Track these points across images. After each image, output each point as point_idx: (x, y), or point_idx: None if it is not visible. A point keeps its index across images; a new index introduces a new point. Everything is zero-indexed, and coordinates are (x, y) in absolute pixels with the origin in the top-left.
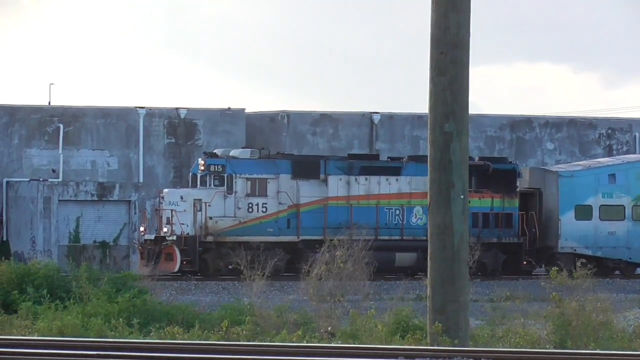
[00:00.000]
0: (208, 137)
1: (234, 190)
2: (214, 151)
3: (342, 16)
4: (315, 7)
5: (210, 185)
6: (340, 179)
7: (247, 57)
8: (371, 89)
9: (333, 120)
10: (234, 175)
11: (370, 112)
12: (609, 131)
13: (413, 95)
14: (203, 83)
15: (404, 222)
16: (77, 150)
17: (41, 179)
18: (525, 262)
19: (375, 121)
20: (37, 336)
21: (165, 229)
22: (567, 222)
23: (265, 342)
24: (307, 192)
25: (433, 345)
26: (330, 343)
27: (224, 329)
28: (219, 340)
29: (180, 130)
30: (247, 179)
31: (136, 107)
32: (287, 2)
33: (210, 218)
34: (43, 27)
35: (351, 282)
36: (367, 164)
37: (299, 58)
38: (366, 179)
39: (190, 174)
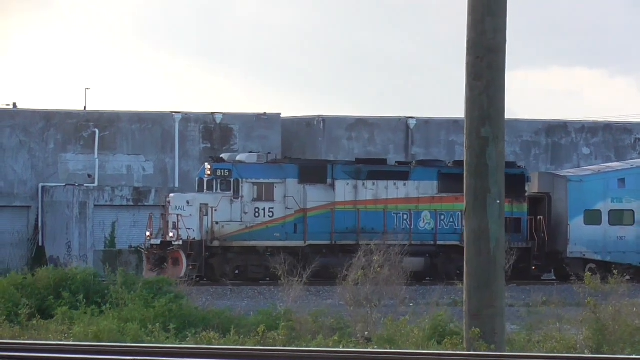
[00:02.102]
0: (244, 142)
1: (240, 194)
2: (221, 156)
3: (378, 20)
4: (352, 11)
5: (216, 189)
6: (348, 184)
7: (283, 61)
8: (407, 94)
9: (369, 125)
10: (240, 179)
11: (406, 117)
12: None
13: (449, 100)
14: (239, 88)
15: (412, 227)
16: (113, 155)
17: (77, 184)
18: (534, 267)
19: (411, 126)
20: (73, 341)
21: (171, 234)
22: (576, 227)
23: (301, 347)
24: (314, 196)
25: (470, 351)
26: (367, 348)
27: (260, 334)
28: (255, 346)
29: (216, 135)
30: (254, 183)
31: (172, 112)
32: (323, 7)
33: (217, 223)
34: (79, 32)
35: (387, 287)
36: (375, 169)
37: (335, 62)
38: (374, 184)
39: (197, 178)
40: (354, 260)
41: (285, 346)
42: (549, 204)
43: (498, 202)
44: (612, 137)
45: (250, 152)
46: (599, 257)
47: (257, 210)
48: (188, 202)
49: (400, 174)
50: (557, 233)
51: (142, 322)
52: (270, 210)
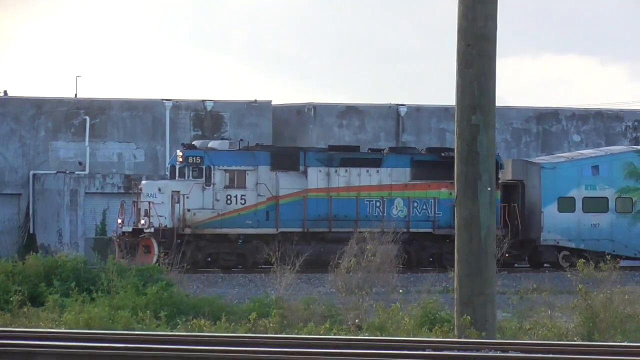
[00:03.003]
0: (235, 130)
1: (212, 182)
2: (192, 143)
3: (368, 8)
4: None
5: (188, 177)
6: (320, 171)
7: (273, 49)
8: (398, 81)
9: (359, 112)
10: (212, 167)
11: (397, 105)
12: (636, 123)
13: (440, 88)
14: (230, 75)
15: (385, 214)
16: (104, 143)
17: (68, 172)
18: (507, 255)
19: (402, 113)
20: (64, 329)
21: (143, 221)
22: (550, 214)
23: (292, 334)
24: (287, 183)
25: (461, 338)
26: (358, 335)
27: (252, 321)
28: (246, 333)
29: (206, 122)
30: (226, 170)
31: (162, 100)
32: None
33: (189, 210)
34: (69, 19)
35: (379, 275)
36: (347, 156)
37: (325, 50)
38: (346, 171)
39: (169, 165)
40: (346, 248)
41: (276, 333)
42: (522, 191)
43: (489, 189)
44: (602, 124)
45: (222, 139)
46: (572, 245)
47: (229, 197)
48: (160, 190)
49: (372, 161)
50: (530, 220)
51: (133, 309)
52: (242, 197)
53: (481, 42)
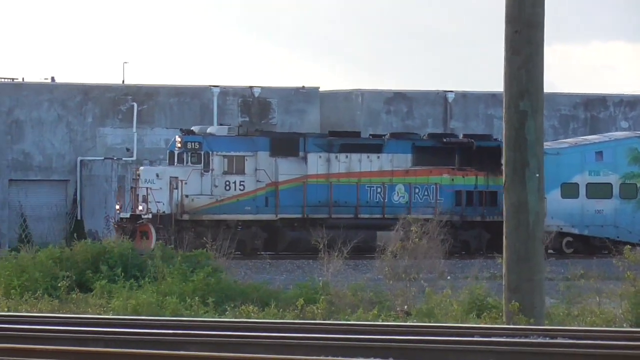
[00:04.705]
0: (282, 116)
1: (210, 167)
2: (191, 128)
3: None
4: None
5: (187, 162)
6: (320, 157)
7: (322, 35)
8: (446, 67)
9: (407, 98)
10: (210, 152)
11: (445, 91)
12: None
13: (487, 74)
14: (277, 62)
15: (386, 200)
16: (151, 129)
17: (115, 158)
18: None
19: (450, 100)
20: (112, 315)
21: (141, 207)
22: (553, 200)
23: (340, 320)
24: (286, 169)
25: (509, 324)
26: (406, 322)
27: (299, 307)
28: (294, 319)
29: (254, 109)
30: (225, 156)
31: (210, 86)
32: None
33: (187, 196)
34: (117, 5)
35: (426, 261)
36: (348, 142)
37: (373, 36)
38: (347, 157)
39: (168, 151)
40: (392, 233)
41: (324, 319)
42: None
43: (537, 175)
44: None
45: (232, 124)
46: (576, 231)
47: (227, 183)
48: (158, 175)
49: (373, 146)
50: None
51: (180, 295)
52: (241, 183)
53: (529, 29)
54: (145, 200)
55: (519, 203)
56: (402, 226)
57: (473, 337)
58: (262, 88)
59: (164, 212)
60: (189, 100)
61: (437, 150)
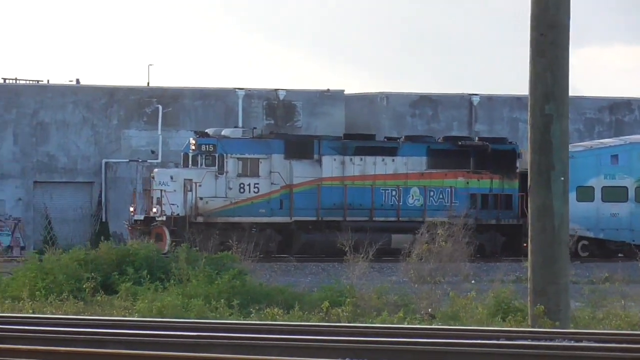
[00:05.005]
0: (307, 119)
1: (225, 170)
2: (206, 130)
3: None
4: None
5: (201, 165)
6: (335, 159)
7: (346, 38)
8: (471, 70)
9: (432, 101)
10: (225, 155)
11: (470, 94)
12: None
13: (513, 77)
14: (302, 65)
15: (400, 203)
16: (176, 131)
17: (140, 160)
18: (525, 245)
19: (475, 103)
20: (137, 317)
21: (154, 210)
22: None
23: (365, 323)
24: (301, 172)
25: (534, 327)
26: (431, 324)
27: (325, 310)
28: (319, 322)
29: (279, 111)
30: (239, 158)
31: (235, 88)
32: None
33: (201, 198)
34: (142, 8)
35: (451, 264)
36: (362, 144)
37: (398, 39)
38: (361, 159)
39: (182, 153)
40: (417, 236)
41: (349, 322)
42: None
43: (562, 179)
44: None
45: (237, 127)
46: (591, 234)
47: (242, 185)
48: (172, 178)
49: (388, 149)
50: None
51: (206, 298)
52: (256, 185)
53: (554, 32)
54: (159, 203)
55: (544, 206)
56: (427, 229)
57: (498, 339)
58: (287, 91)
59: (178, 214)
60: (213, 103)
61: (452, 153)
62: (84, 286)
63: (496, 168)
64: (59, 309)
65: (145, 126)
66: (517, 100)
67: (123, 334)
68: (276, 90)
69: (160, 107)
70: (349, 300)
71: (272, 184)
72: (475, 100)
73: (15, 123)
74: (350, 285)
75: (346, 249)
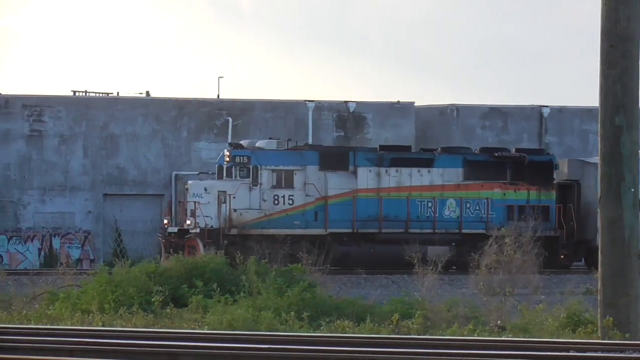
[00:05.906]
0: (377, 131)
1: (259, 182)
2: (240, 142)
3: (511, 8)
4: (484, 0)
5: (235, 176)
6: (370, 171)
7: (416, 50)
8: (541, 82)
9: (502, 113)
10: (259, 166)
11: (540, 106)
12: None
13: (583, 89)
14: (372, 77)
15: (436, 215)
16: None
17: (210, 172)
18: (562, 256)
19: (545, 114)
20: (207, 329)
21: (188, 222)
22: None
23: (436, 335)
24: (336, 183)
25: (604, 339)
26: (501, 337)
27: (395, 322)
28: (389, 334)
29: (349, 123)
30: (273, 170)
31: (305, 101)
32: None
33: (235, 210)
34: (212, 21)
35: (520, 275)
36: (398, 156)
37: (468, 51)
38: (397, 171)
39: (217, 165)
40: (485, 248)
41: (419, 334)
42: (577, 192)
43: (632, 190)
44: None
45: (272, 139)
46: None
47: (276, 197)
48: (206, 189)
49: (424, 161)
50: (586, 221)
51: (276, 310)
52: (290, 197)
53: (625, 43)
54: (193, 215)
55: (614, 218)
56: (496, 240)
57: (568, 352)
58: (357, 103)
59: (212, 226)
60: (283, 115)
61: (488, 165)
62: (153, 299)
63: (533, 179)
64: (129, 321)
65: (215, 138)
66: (588, 111)
67: (195, 346)
68: (346, 102)
69: (230, 120)
70: (419, 312)
71: (306, 195)
72: (546, 112)
73: (85, 136)
74: (420, 297)
75: (414, 261)
